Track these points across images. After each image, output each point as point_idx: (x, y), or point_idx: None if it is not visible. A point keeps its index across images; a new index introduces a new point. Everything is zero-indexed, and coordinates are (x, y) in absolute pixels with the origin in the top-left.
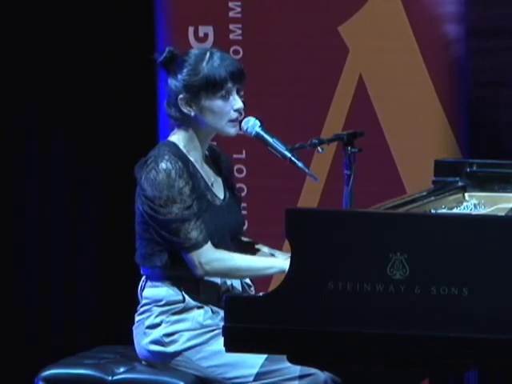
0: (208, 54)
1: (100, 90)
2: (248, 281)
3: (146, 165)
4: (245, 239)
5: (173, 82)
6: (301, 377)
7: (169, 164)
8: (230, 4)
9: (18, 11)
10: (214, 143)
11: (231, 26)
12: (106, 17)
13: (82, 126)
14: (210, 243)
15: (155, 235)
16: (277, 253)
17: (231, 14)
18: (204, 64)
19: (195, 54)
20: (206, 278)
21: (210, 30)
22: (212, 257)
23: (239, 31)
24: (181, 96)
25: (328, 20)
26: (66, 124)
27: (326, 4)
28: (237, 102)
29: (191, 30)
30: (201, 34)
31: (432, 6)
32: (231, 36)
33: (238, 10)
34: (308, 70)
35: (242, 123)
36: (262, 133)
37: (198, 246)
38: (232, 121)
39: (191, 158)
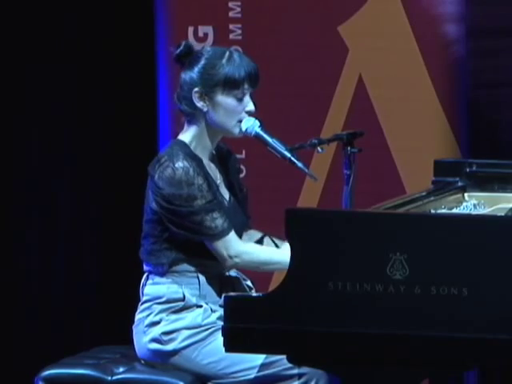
0: (228, 53)
1: (100, 90)
2: (249, 283)
3: (159, 163)
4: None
5: (188, 75)
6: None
7: (185, 162)
8: (230, 4)
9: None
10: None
11: (231, 26)
12: (106, 16)
13: (83, 125)
14: (234, 233)
15: (176, 230)
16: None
17: (231, 13)
18: (224, 61)
19: (213, 50)
20: (227, 271)
21: (209, 29)
22: (241, 249)
23: (239, 31)
24: (196, 89)
25: (328, 20)
26: (66, 123)
27: (326, 4)
28: (249, 104)
29: (191, 29)
30: (200, 34)
31: (432, 5)
32: (231, 36)
33: (238, 10)
34: (308, 69)
35: (242, 123)
36: (261, 133)
37: (224, 233)
38: (241, 121)
39: (201, 158)
